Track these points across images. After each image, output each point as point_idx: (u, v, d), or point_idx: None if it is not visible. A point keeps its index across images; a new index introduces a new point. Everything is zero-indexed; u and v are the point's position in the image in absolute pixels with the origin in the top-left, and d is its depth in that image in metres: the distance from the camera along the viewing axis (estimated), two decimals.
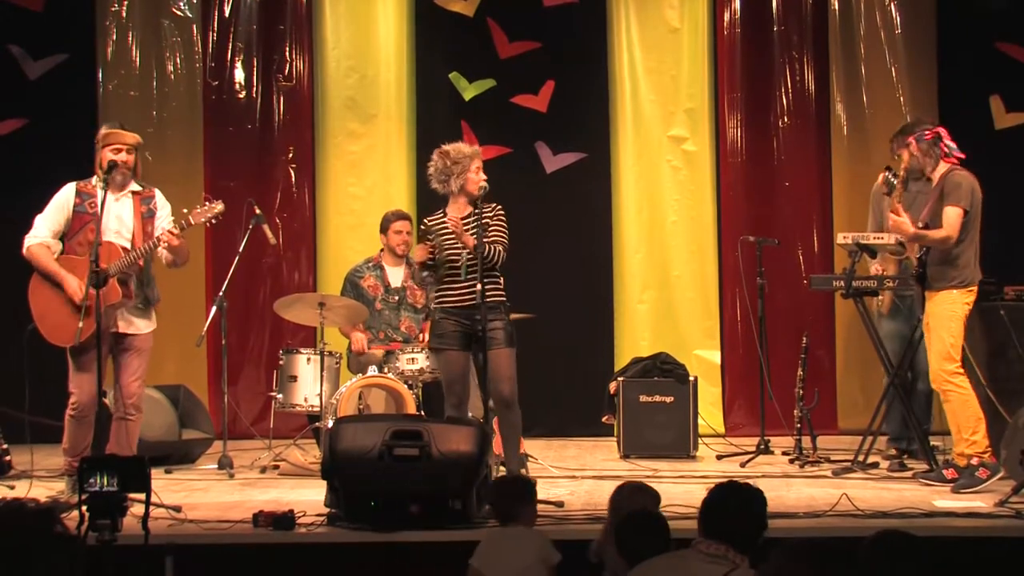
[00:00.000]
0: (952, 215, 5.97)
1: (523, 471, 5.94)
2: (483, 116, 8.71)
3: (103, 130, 6.01)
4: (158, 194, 6.09)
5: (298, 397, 7.12)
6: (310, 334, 8.36)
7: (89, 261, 5.53)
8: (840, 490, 5.60)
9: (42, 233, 5.90)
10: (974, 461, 5.88)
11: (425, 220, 6.02)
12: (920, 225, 6.06)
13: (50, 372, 6.20)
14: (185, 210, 5.98)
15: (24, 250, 5.91)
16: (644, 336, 8.67)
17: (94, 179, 5.96)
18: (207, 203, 5.99)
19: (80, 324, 5.59)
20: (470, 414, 6.22)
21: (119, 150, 5.91)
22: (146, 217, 5.98)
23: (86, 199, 5.90)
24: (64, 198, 5.92)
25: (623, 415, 7.47)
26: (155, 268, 6.08)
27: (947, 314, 6.01)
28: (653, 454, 7.32)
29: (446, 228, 5.87)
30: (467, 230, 5.81)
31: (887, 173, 6.63)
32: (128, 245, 5.88)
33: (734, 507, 3.55)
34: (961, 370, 6.00)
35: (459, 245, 5.82)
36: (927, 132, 6.16)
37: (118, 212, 5.91)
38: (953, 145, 6.14)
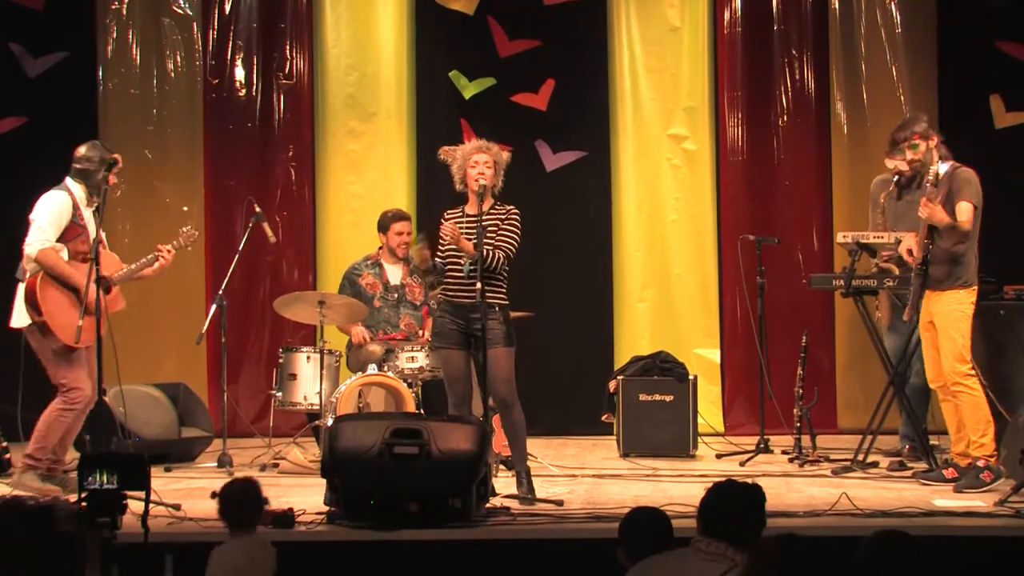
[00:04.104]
0: (967, 210, 5.94)
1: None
2: (483, 114, 8.69)
3: (115, 157, 6.18)
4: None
5: (298, 395, 7.12)
6: (310, 332, 8.36)
7: (92, 267, 5.69)
8: (839, 489, 5.60)
9: (51, 237, 6.05)
10: (980, 463, 5.87)
11: (445, 214, 6.02)
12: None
13: (39, 371, 6.24)
14: (185, 229, 6.65)
15: (36, 252, 6.01)
16: (644, 335, 8.66)
17: (75, 189, 6.13)
18: (187, 230, 6.65)
19: (100, 327, 5.72)
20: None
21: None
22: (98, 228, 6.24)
23: (75, 210, 6.13)
24: (65, 206, 6.10)
25: (623, 414, 7.48)
26: None
27: (956, 314, 5.99)
28: (653, 453, 7.32)
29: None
30: (470, 232, 5.81)
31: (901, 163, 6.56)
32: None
33: (733, 505, 3.55)
34: (973, 371, 5.99)
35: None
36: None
37: (90, 225, 6.16)
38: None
